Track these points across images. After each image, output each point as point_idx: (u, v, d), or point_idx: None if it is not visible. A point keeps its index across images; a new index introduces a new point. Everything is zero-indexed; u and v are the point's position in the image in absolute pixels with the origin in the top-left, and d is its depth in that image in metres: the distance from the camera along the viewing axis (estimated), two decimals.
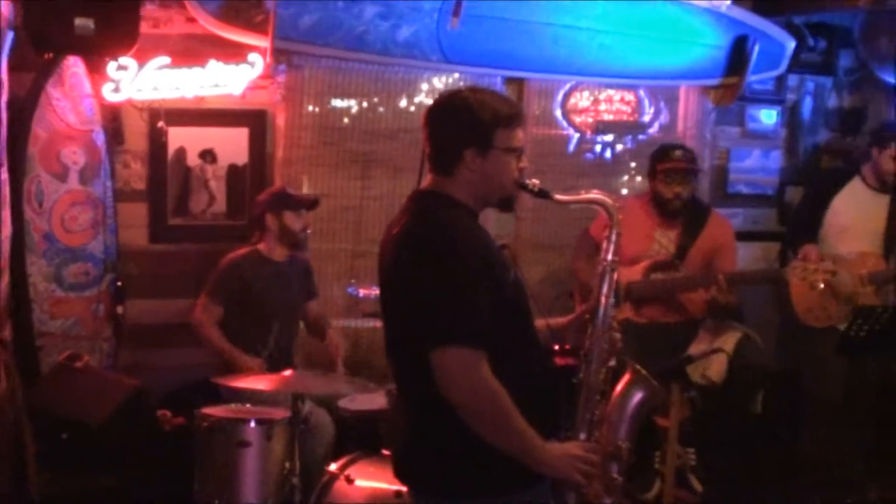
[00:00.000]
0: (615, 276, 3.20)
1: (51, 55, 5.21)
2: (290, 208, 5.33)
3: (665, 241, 5.64)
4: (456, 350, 2.80)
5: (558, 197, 3.21)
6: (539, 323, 3.25)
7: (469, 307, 2.81)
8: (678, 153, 5.61)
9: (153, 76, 5.39)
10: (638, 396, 3.16)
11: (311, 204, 5.43)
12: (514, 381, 2.86)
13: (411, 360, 2.91)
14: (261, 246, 5.36)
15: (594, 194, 3.28)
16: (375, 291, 5.21)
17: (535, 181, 3.11)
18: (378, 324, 5.34)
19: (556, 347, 4.69)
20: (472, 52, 5.83)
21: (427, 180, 3.08)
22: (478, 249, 2.90)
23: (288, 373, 4.55)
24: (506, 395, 2.82)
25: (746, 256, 5.97)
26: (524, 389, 2.89)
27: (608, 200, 3.23)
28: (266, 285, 5.30)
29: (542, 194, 3.13)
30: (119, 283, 5.55)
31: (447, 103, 3.05)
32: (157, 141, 5.66)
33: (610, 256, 3.20)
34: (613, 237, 3.21)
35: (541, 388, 3.01)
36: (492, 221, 6.00)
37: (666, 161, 5.57)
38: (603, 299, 3.17)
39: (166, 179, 5.73)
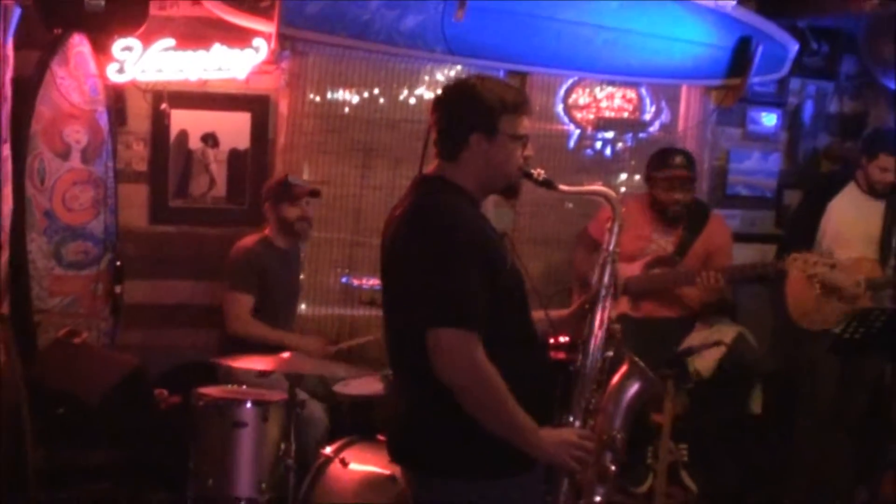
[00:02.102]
0: (616, 266, 3.22)
1: (59, 31, 5.22)
2: (288, 199, 5.35)
3: (663, 241, 5.67)
4: (451, 331, 2.82)
5: (562, 187, 3.24)
6: (539, 314, 3.28)
7: (465, 289, 2.84)
8: (678, 160, 5.61)
9: (158, 58, 5.41)
10: (634, 388, 3.18)
11: (311, 194, 5.45)
12: (508, 367, 2.88)
13: (408, 341, 2.93)
14: (268, 232, 5.39)
15: (597, 187, 3.35)
16: (370, 281, 5.30)
17: (540, 170, 3.13)
18: (374, 312, 5.44)
19: (552, 341, 4.72)
20: (475, 44, 5.83)
21: (432, 166, 3.11)
22: (476, 235, 2.93)
23: (286, 354, 4.57)
24: (499, 378, 2.85)
25: (743, 258, 5.96)
26: (518, 376, 2.91)
27: (611, 193, 3.27)
28: (278, 271, 5.35)
29: (547, 184, 3.15)
30: (118, 263, 5.55)
31: (455, 89, 3.10)
32: (159, 123, 5.67)
33: (612, 247, 3.22)
34: (616, 228, 3.23)
35: (535, 376, 3.03)
36: (490, 215, 6.01)
37: (665, 169, 5.58)
38: (603, 290, 3.18)
39: (168, 161, 5.75)
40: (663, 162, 5.61)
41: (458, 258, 2.86)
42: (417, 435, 3.04)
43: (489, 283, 2.89)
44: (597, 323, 3.15)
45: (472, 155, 3.01)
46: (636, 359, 3.20)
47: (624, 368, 3.20)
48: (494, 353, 2.87)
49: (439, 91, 3.15)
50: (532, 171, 3.10)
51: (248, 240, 5.37)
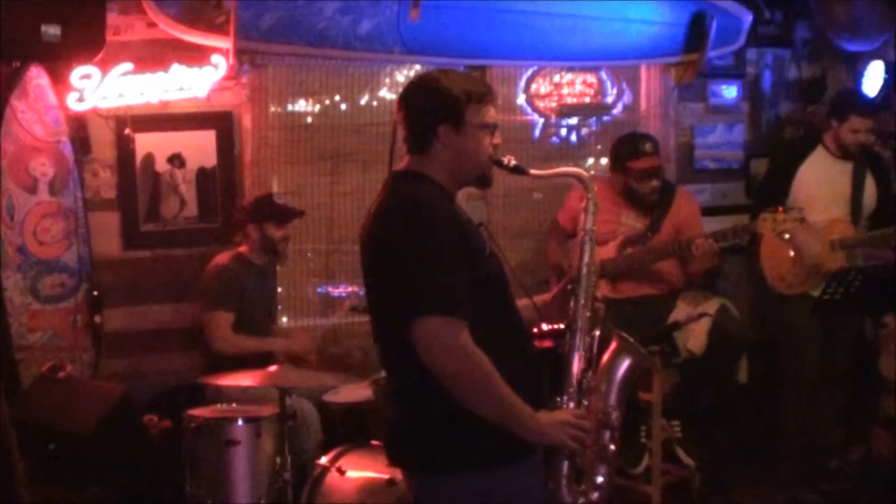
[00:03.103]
0: (595, 244, 3.23)
1: (17, 64, 5.19)
2: (275, 220, 5.36)
3: (632, 221, 5.70)
4: (436, 319, 2.81)
5: (533, 172, 3.24)
6: (525, 302, 3.28)
7: (447, 277, 2.84)
8: (648, 147, 5.63)
9: (117, 83, 5.38)
10: (626, 364, 3.16)
11: (295, 216, 5.47)
12: (496, 353, 2.88)
13: (395, 336, 2.92)
14: (243, 249, 5.37)
15: (568, 168, 3.36)
16: (347, 289, 5.30)
17: (510, 157, 3.14)
18: (356, 319, 5.44)
19: (536, 330, 4.74)
20: (433, 42, 5.85)
21: (403, 162, 3.11)
22: (454, 223, 2.93)
23: (273, 368, 4.56)
24: (489, 362, 2.84)
25: None
26: (507, 362, 2.91)
27: (583, 173, 3.29)
28: (254, 287, 5.34)
29: (517, 170, 3.15)
30: (95, 293, 5.53)
31: (419, 84, 3.11)
32: (124, 148, 5.64)
33: (589, 226, 3.22)
34: (591, 208, 3.23)
35: (524, 361, 3.03)
36: (463, 208, 6.03)
37: (638, 158, 5.58)
38: (584, 268, 3.18)
39: (136, 186, 5.71)
40: (635, 151, 5.61)
41: (438, 247, 2.86)
42: (412, 435, 3.02)
43: (471, 271, 2.89)
44: (581, 302, 3.15)
45: (441, 147, 3.02)
46: (625, 335, 3.20)
47: (613, 345, 3.19)
48: (482, 340, 2.86)
49: (403, 88, 3.15)
50: (502, 158, 3.11)
51: (223, 257, 5.35)
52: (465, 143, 3.02)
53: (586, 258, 3.19)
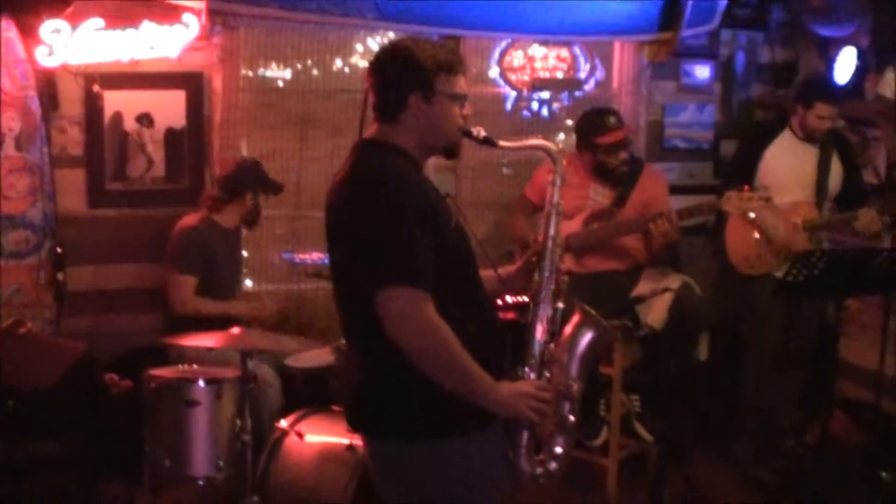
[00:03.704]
0: (560, 218, 3.24)
1: None
2: (269, 190, 5.43)
3: (600, 197, 5.72)
4: (400, 290, 2.83)
5: (503, 143, 3.25)
6: (489, 273, 3.29)
7: (411, 248, 2.85)
8: (613, 121, 5.65)
9: (87, 39, 5.34)
10: (588, 336, 3.18)
11: (280, 190, 5.53)
12: (459, 324, 2.89)
13: (358, 306, 2.93)
14: (215, 215, 5.35)
15: (537, 140, 3.37)
16: (313, 256, 5.29)
17: (479, 129, 3.15)
18: (320, 285, 5.44)
19: (500, 302, 4.75)
20: (407, 10, 5.83)
21: (371, 130, 3.11)
22: (419, 195, 2.93)
23: (236, 330, 4.55)
24: (452, 334, 2.85)
25: None
26: (470, 333, 2.92)
27: (552, 146, 3.29)
28: (222, 250, 5.35)
29: (487, 141, 3.17)
30: (59, 250, 5.50)
31: (390, 52, 3.10)
32: (92, 106, 5.61)
33: (555, 199, 3.24)
34: (558, 181, 3.25)
35: (487, 333, 3.05)
36: (431, 179, 6.02)
37: (605, 133, 5.59)
38: (550, 241, 3.20)
39: (103, 144, 5.68)
40: (602, 126, 5.61)
41: (403, 218, 2.86)
42: (372, 401, 3.04)
43: (436, 242, 2.90)
44: (546, 275, 3.17)
45: (410, 116, 3.02)
46: (587, 308, 3.21)
47: (576, 318, 3.21)
48: (445, 311, 2.87)
49: (374, 55, 3.14)
50: (472, 129, 3.12)
51: (190, 219, 5.34)
52: (434, 113, 3.03)
53: (552, 232, 3.21)
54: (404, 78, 3.01)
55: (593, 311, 3.20)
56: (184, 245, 5.24)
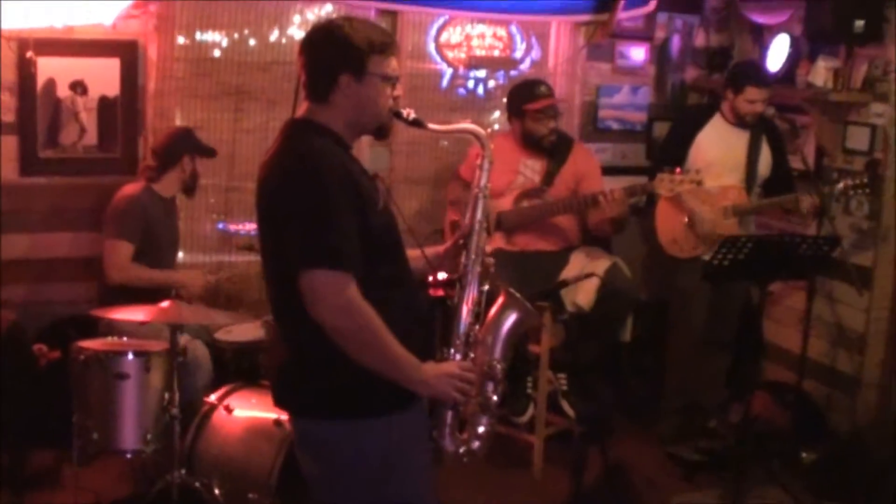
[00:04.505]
0: (487, 202, 3.28)
1: None
2: (203, 154, 5.41)
3: (529, 172, 5.79)
4: (324, 272, 2.86)
5: (432, 126, 3.28)
6: (415, 253, 3.33)
7: (337, 231, 2.87)
8: (543, 89, 5.75)
9: (21, 4, 5.25)
10: (512, 318, 3.24)
11: (213, 154, 5.52)
12: (385, 306, 2.93)
13: (283, 283, 2.95)
14: (155, 184, 5.33)
15: (466, 124, 3.36)
16: (247, 226, 5.29)
17: (410, 110, 3.16)
18: (252, 257, 5.45)
19: (431, 279, 4.79)
20: None
21: (302, 108, 3.12)
22: (346, 177, 2.95)
23: (166, 304, 4.55)
24: (375, 315, 2.89)
25: None
26: (396, 315, 2.97)
27: (480, 130, 3.30)
28: (161, 219, 5.33)
29: (417, 123, 3.19)
30: None
31: (322, 30, 3.09)
32: (25, 72, 5.53)
33: (483, 182, 3.28)
34: (486, 165, 3.28)
35: (413, 314, 3.09)
36: (366, 155, 6.05)
37: (535, 100, 5.69)
38: (476, 224, 3.24)
39: (36, 111, 5.61)
40: (532, 94, 5.72)
41: (329, 201, 2.88)
42: (296, 379, 3.08)
43: (361, 223, 2.93)
44: (472, 257, 3.21)
45: (341, 96, 3.03)
46: (512, 290, 3.26)
47: (501, 300, 3.26)
48: (371, 293, 2.91)
49: (306, 33, 3.14)
50: (402, 111, 3.14)
51: (132, 187, 5.31)
52: (365, 94, 3.04)
53: (479, 215, 3.25)
54: (336, 58, 3.02)
55: (518, 294, 3.25)
56: (124, 212, 5.21)
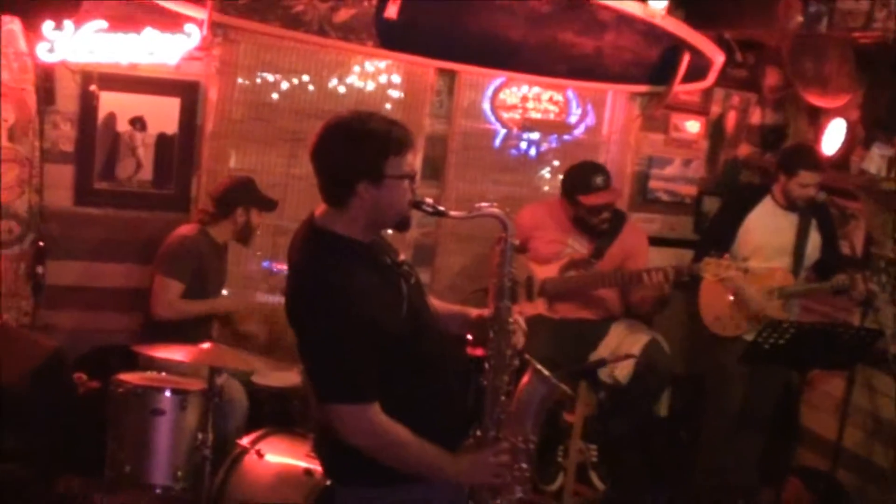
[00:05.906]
0: (516, 288, 3.28)
1: None
2: (261, 207, 5.45)
3: (578, 245, 5.76)
4: (346, 407, 2.92)
5: (453, 213, 3.27)
6: (456, 314, 3.37)
7: (354, 364, 2.91)
8: (599, 181, 5.66)
9: (89, 39, 5.36)
10: (540, 394, 3.23)
11: (273, 207, 5.54)
12: (412, 404, 3.01)
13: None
14: (210, 229, 5.40)
15: (489, 208, 3.24)
16: None
17: (429, 200, 3.13)
18: None
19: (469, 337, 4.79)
20: (407, 40, 5.89)
21: (320, 209, 3.08)
22: (363, 300, 2.91)
23: (206, 345, 4.59)
24: (402, 430, 2.95)
25: (661, 261, 6.02)
26: (425, 407, 3.03)
27: (503, 214, 3.23)
28: (213, 263, 5.39)
29: (438, 213, 3.17)
30: (40, 243, 5.54)
31: (336, 133, 3.00)
32: (88, 104, 5.63)
33: (507, 269, 3.22)
34: (509, 251, 3.24)
35: (447, 399, 3.14)
36: (412, 213, 6.08)
37: (590, 193, 5.63)
38: (502, 309, 3.20)
39: (95, 143, 5.71)
40: (588, 186, 5.64)
41: (346, 332, 2.89)
42: (331, 449, 3.12)
43: (383, 343, 2.93)
44: (502, 344, 3.19)
45: (360, 201, 2.98)
46: (539, 367, 3.23)
47: (528, 377, 3.24)
48: (395, 398, 2.96)
49: (316, 137, 3.04)
50: (422, 201, 3.09)
51: (188, 228, 5.39)
52: (384, 196, 2.99)
53: (504, 301, 3.21)
54: (352, 165, 2.95)
55: (545, 370, 3.22)
56: (178, 252, 5.27)
